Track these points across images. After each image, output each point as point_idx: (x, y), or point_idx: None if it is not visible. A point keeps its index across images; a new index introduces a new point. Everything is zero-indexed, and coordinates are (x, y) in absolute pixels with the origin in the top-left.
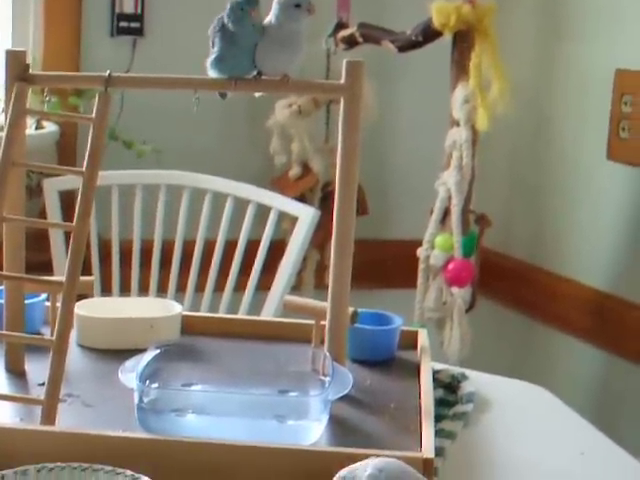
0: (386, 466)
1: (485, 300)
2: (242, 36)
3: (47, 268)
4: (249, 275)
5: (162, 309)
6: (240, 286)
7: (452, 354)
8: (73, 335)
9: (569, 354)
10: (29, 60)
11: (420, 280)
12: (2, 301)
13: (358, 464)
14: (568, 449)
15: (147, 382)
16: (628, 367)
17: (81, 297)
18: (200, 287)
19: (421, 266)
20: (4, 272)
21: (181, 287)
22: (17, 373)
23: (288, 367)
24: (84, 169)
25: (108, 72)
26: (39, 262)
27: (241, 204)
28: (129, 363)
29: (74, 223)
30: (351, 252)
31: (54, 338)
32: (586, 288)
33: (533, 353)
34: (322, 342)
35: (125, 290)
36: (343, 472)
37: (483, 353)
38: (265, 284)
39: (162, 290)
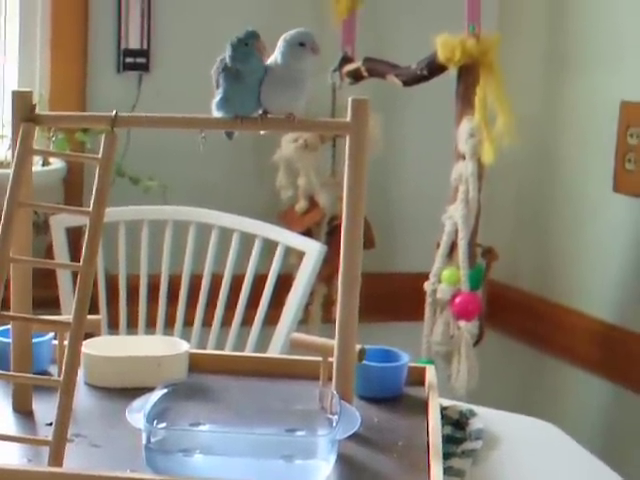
0: None
1: (492, 332)
2: (247, 73)
3: (54, 304)
4: (256, 309)
5: (169, 347)
6: (247, 320)
7: (460, 387)
8: (80, 374)
9: (576, 386)
10: (35, 99)
11: (427, 314)
12: (9, 340)
13: None
14: None
15: (154, 422)
16: (636, 398)
17: (88, 335)
18: (207, 322)
19: (428, 300)
20: (11, 313)
21: (188, 322)
22: (24, 413)
23: (295, 405)
24: (90, 209)
25: (114, 112)
26: (46, 298)
27: (248, 239)
28: (136, 403)
29: (81, 263)
30: (358, 287)
31: (61, 378)
32: (593, 320)
33: (541, 385)
34: (330, 379)
35: (132, 326)
36: None
37: (491, 386)
38: (273, 318)
39: (169, 325)
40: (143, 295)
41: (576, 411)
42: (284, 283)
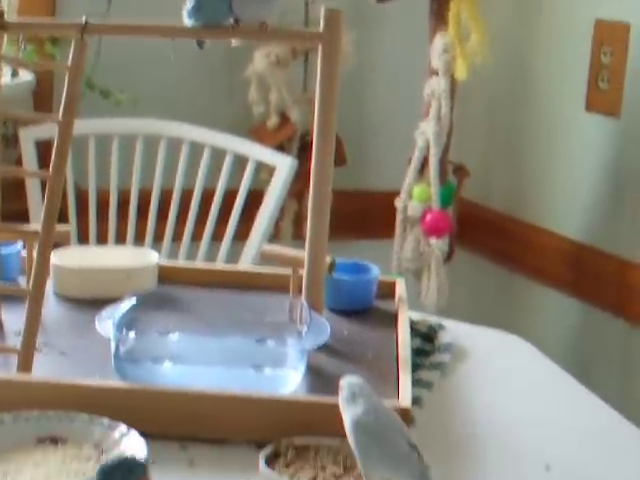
0: (375, 405)
1: (463, 252)
2: None
3: (24, 217)
4: (227, 224)
5: (139, 258)
6: (218, 235)
7: (429, 304)
8: (49, 284)
9: (546, 305)
10: (4, 6)
11: (398, 231)
12: None
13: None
14: (544, 398)
15: (124, 331)
16: (605, 317)
17: (57, 246)
18: (178, 236)
19: (399, 217)
20: None
21: (158, 236)
22: None
23: (265, 316)
24: (60, 116)
25: (84, 19)
26: (16, 211)
27: (218, 154)
28: (106, 312)
29: (50, 171)
30: (329, 201)
31: (30, 287)
32: (564, 239)
33: (511, 304)
34: (299, 292)
35: (102, 240)
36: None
37: (460, 304)
38: (243, 234)
39: (139, 240)
40: (113, 210)
41: (545, 329)
42: (255, 199)
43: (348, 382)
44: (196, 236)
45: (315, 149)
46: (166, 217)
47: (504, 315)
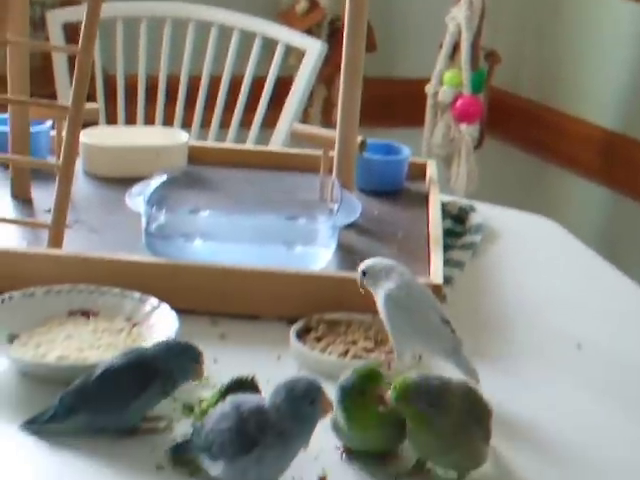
0: (408, 281)
1: (493, 140)
2: None
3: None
4: (255, 112)
5: (168, 138)
6: (246, 123)
7: (459, 191)
8: (79, 164)
9: (577, 194)
10: None
11: (428, 117)
12: (7, 128)
13: (386, 262)
14: (576, 279)
15: (154, 207)
16: (636, 206)
17: (86, 125)
18: (206, 123)
19: (429, 102)
20: (9, 95)
21: (187, 123)
22: (23, 200)
23: (296, 195)
24: None
25: None
26: (43, 96)
27: (247, 38)
28: (136, 188)
29: (79, 47)
30: (360, 80)
31: (60, 162)
32: (596, 127)
33: (540, 193)
34: (330, 172)
35: (130, 125)
36: (371, 262)
37: (490, 192)
38: (271, 120)
39: (167, 125)
40: (141, 95)
41: (575, 218)
42: (283, 87)
43: (376, 261)
44: (224, 123)
45: (346, 34)
46: (194, 103)
47: (534, 203)
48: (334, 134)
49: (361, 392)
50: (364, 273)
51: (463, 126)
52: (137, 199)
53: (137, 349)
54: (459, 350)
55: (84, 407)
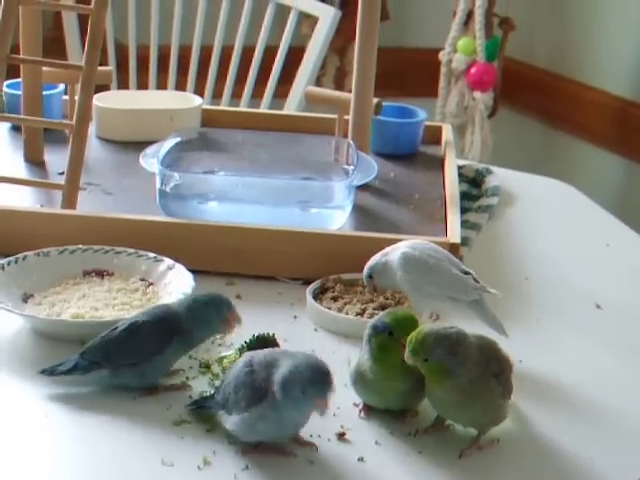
0: (418, 245)
1: (506, 110)
2: None
3: None
4: (267, 82)
5: (182, 101)
6: (258, 93)
7: (473, 159)
8: (92, 127)
9: (592, 162)
10: None
11: (442, 84)
12: (20, 92)
13: (388, 249)
14: (594, 241)
15: (169, 168)
16: None
17: (99, 89)
18: (218, 94)
19: (443, 70)
20: (22, 56)
21: (199, 93)
22: (36, 163)
23: (311, 157)
24: None
25: None
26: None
27: (260, 5)
28: (150, 149)
29: (92, 4)
30: (376, 42)
31: (74, 121)
32: (609, 96)
33: (554, 161)
34: (345, 135)
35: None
36: (372, 262)
37: (504, 160)
38: (284, 91)
39: None
40: (153, 65)
41: (589, 185)
42: (295, 57)
43: (373, 259)
44: (236, 93)
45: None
46: (206, 73)
47: (547, 172)
48: (349, 97)
49: (391, 334)
50: (370, 276)
51: (477, 94)
52: (151, 160)
53: (162, 305)
54: (484, 300)
55: (107, 361)
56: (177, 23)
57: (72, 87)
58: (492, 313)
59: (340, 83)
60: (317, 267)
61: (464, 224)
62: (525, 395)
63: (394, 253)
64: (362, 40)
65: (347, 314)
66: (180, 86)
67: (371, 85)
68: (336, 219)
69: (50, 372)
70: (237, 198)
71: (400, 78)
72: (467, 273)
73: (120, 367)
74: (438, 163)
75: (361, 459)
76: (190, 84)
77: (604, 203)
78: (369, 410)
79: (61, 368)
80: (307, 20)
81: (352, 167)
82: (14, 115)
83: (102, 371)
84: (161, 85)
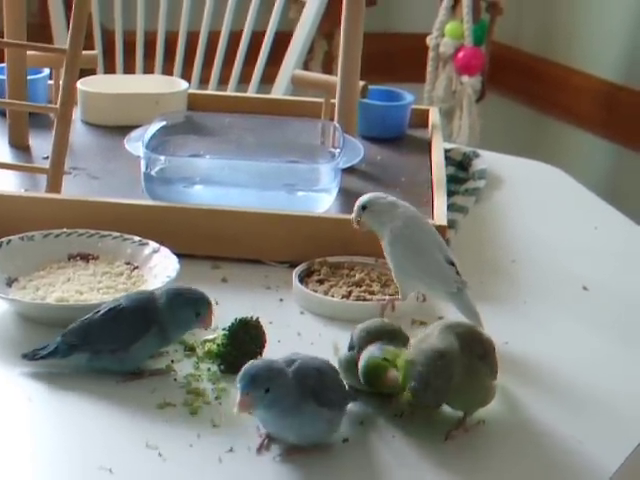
0: (415, 223)
1: (494, 94)
2: None
3: None
4: (254, 66)
5: (168, 86)
6: (245, 79)
7: (461, 144)
8: (77, 112)
9: (579, 146)
10: None
11: (429, 69)
12: (4, 76)
13: (393, 198)
14: (581, 224)
15: (154, 152)
16: (637, 157)
17: (85, 74)
18: (205, 80)
19: (430, 54)
20: (5, 39)
21: (186, 79)
22: (21, 148)
23: (298, 140)
24: None
25: None
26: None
27: None
28: (135, 133)
29: None
30: (362, 23)
31: (58, 104)
32: (598, 80)
33: (542, 145)
34: (331, 119)
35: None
36: (374, 197)
37: (491, 145)
38: (271, 76)
39: None
40: (139, 51)
41: (577, 169)
42: (282, 42)
43: (378, 195)
44: (223, 79)
45: None
46: (193, 59)
47: (535, 156)
48: (335, 80)
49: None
50: (364, 207)
51: (465, 78)
52: (136, 144)
53: (143, 292)
54: (463, 292)
55: (86, 344)
56: (164, 8)
57: (57, 72)
58: (471, 305)
59: (328, 67)
60: (303, 250)
61: (451, 207)
62: (512, 376)
63: (395, 213)
64: (347, 22)
65: (333, 297)
66: (167, 71)
67: (357, 68)
68: (322, 202)
69: (32, 356)
70: (223, 181)
71: (388, 63)
72: (452, 264)
73: (100, 352)
74: (425, 146)
75: (346, 440)
76: (177, 69)
77: (592, 186)
78: (356, 391)
79: (42, 352)
80: (295, 5)
81: (338, 150)
82: None
83: (82, 355)
84: (148, 70)
